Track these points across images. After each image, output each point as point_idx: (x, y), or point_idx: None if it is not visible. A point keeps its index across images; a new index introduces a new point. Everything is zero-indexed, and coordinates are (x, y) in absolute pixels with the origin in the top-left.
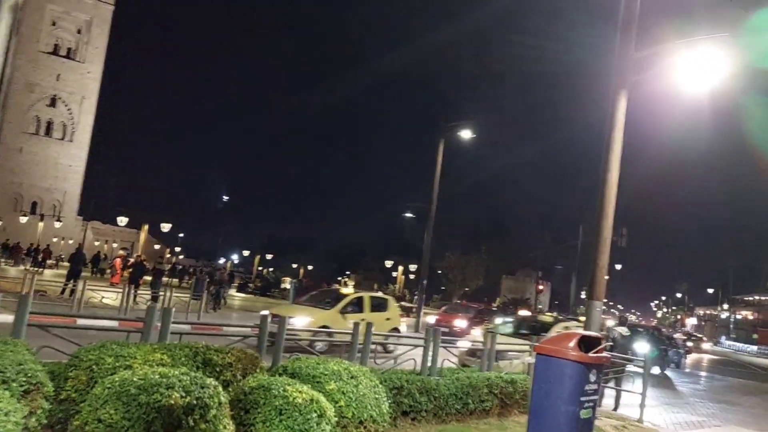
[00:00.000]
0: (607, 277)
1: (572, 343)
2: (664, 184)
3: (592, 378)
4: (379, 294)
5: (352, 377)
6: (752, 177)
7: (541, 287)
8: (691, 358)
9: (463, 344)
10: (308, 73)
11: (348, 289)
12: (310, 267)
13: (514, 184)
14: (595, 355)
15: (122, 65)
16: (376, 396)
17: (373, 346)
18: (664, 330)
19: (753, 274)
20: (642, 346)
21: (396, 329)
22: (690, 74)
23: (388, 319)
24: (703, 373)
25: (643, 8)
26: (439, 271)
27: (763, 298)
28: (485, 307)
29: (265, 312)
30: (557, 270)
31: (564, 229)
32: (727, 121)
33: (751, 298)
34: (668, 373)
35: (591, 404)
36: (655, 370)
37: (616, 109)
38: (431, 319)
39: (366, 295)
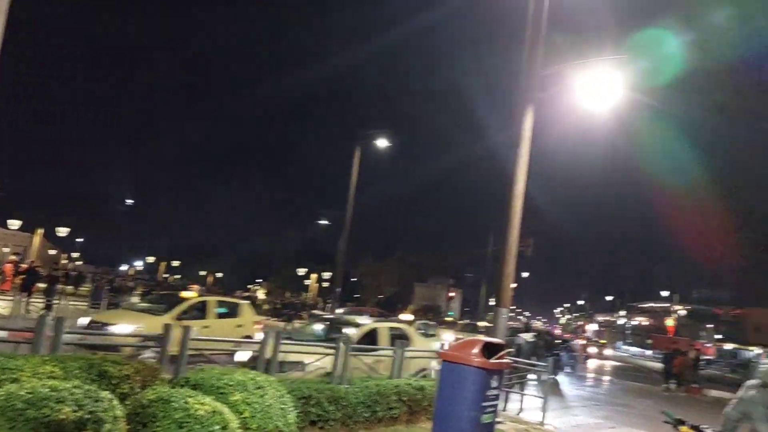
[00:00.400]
0: (514, 285)
1: (476, 350)
2: (569, 196)
3: (494, 383)
4: (229, 299)
5: (258, 387)
6: (645, 190)
7: (452, 294)
8: (591, 363)
9: (244, 354)
10: (222, 78)
11: (190, 293)
12: (219, 274)
13: (428, 194)
14: (497, 361)
15: (19, 59)
16: (282, 406)
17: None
18: (567, 336)
19: (647, 282)
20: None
21: (249, 337)
22: (589, 92)
23: (239, 326)
24: (603, 377)
25: (550, 28)
26: (354, 279)
27: (656, 305)
28: (382, 313)
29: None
30: (468, 278)
31: (475, 238)
32: (625, 136)
33: (645, 305)
34: (561, 377)
35: (492, 409)
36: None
37: (523, 124)
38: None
39: (211, 300)
